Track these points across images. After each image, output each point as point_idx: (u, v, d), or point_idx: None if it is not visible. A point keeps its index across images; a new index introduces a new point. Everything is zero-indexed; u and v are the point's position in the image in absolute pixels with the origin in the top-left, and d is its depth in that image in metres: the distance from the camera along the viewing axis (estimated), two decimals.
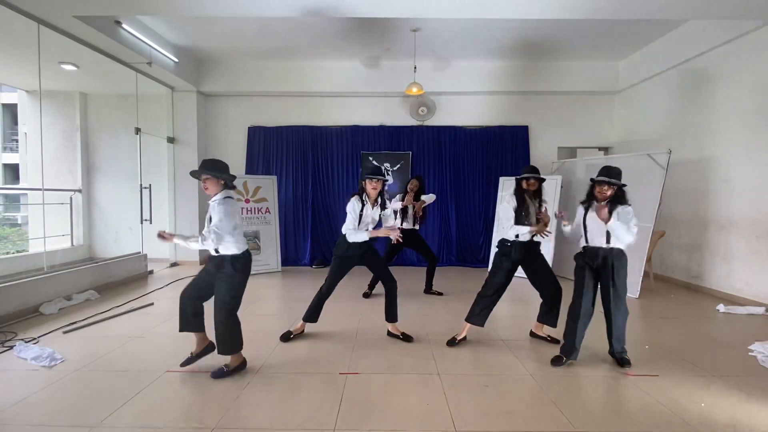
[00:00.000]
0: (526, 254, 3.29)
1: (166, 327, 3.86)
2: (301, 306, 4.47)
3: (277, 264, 6.61)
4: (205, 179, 2.70)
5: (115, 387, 2.64)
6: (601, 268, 2.94)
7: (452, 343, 3.37)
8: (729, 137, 5.00)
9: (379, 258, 3.59)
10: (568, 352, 2.99)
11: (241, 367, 2.87)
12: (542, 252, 3.42)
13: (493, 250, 3.93)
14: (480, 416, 2.32)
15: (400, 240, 3.43)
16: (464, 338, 3.42)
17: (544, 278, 3.36)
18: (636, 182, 5.03)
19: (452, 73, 6.95)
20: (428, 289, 5.10)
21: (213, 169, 2.72)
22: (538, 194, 3.28)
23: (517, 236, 3.25)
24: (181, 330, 2.83)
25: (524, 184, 3.27)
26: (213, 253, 2.74)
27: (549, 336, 3.46)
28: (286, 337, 3.48)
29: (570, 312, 3.02)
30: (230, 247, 2.72)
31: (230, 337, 2.79)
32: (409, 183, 5.01)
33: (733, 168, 4.94)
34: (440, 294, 5.00)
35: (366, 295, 4.91)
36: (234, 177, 2.83)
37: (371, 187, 3.37)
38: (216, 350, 2.82)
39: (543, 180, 3.29)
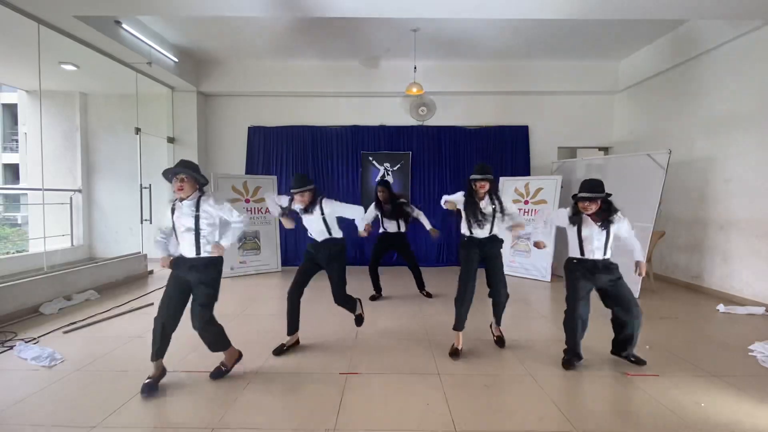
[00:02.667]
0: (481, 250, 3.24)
1: None
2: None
3: (277, 264, 6.61)
4: (183, 178, 2.54)
5: (115, 387, 2.64)
6: (604, 279, 2.89)
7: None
8: (729, 137, 5.00)
9: (332, 270, 3.29)
10: (578, 356, 2.97)
11: (238, 359, 2.86)
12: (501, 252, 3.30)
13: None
14: (480, 416, 2.32)
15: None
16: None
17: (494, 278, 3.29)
18: (636, 182, 5.04)
19: (452, 73, 6.95)
20: (421, 289, 5.04)
21: (192, 168, 2.58)
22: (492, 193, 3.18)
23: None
24: (156, 358, 2.65)
25: (474, 186, 3.15)
26: (192, 255, 2.61)
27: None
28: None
29: (569, 320, 2.96)
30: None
31: (219, 334, 2.73)
32: (379, 192, 4.73)
33: (733, 168, 4.93)
34: (429, 296, 4.97)
35: (373, 298, 4.88)
36: (207, 181, 2.70)
37: (298, 199, 3.13)
38: (210, 350, 2.76)
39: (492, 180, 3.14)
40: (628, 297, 2.91)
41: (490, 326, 3.50)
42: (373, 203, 4.77)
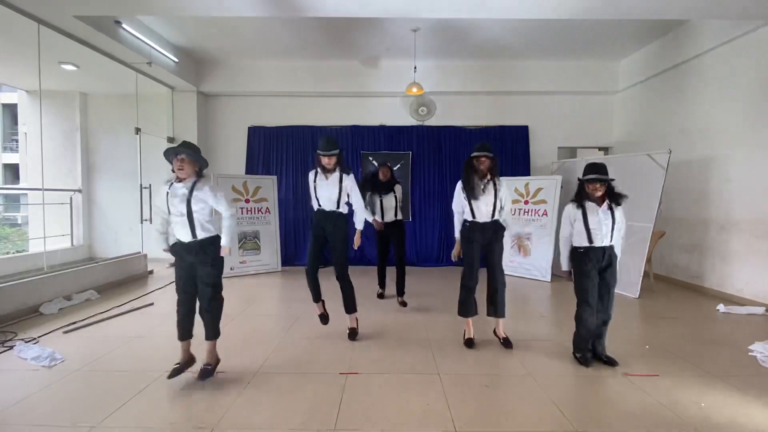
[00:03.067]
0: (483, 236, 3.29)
1: (166, 327, 3.85)
2: (300, 306, 4.49)
3: (277, 264, 6.61)
4: (183, 159, 2.60)
5: (115, 387, 2.64)
6: (605, 267, 2.94)
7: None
8: (729, 137, 5.00)
9: (336, 240, 3.42)
10: (590, 353, 3.02)
11: (218, 362, 2.83)
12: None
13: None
14: (480, 416, 2.32)
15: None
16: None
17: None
18: (636, 182, 5.04)
19: (452, 73, 6.95)
20: (400, 293, 4.61)
21: (193, 149, 2.65)
22: (491, 173, 3.25)
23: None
24: (181, 338, 2.80)
25: (475, 162, 3.23)
26: (188, 239, 2.65)
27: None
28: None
29: (582, 317, 2.96)
30: (212, 229, 2.73)
31: (219, 315, 2.79)
32: (381, 173, 4.54)
33: (733, 168, 4.93)
34: (404, 305, 4.54)
35: (380, 296, 4.87)
36: (207, 164, 2.77)
37: (325, 162, 3.28)
38: (206, 339, 2.77)
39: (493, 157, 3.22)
40: (612, 293, 2.96)
41: (494, 331, 3.43)
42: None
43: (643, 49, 6.36)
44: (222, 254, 2.72)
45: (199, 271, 2.69)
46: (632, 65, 6.65)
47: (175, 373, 2.67)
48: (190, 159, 2.62)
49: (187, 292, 2.75)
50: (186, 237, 2.65)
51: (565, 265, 3.10)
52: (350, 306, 3.53)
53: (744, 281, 4.78)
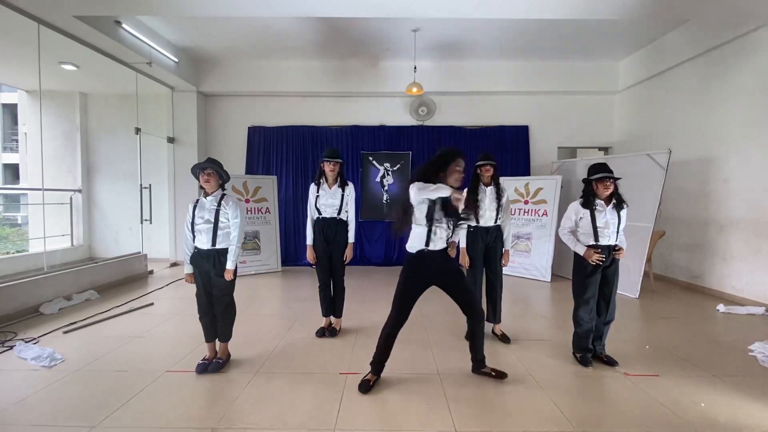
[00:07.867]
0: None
1: (166, 327, 3.86)
2: (301, 306, 4.50)
3: (277, 264, 6.61)
4: (210, 173, 2.83)
5: (115, 387, 2.64)
6: (608, 265, 2.95)
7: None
8: (729, 137, 5.00)
9: (338, 247, 3.55)
10: (590, 352, 3.05)
11: (228, 359, 3.04)
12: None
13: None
14: (480, 416, 2.32)
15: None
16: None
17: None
18: (636, 182, 5.04)
19: (452, 73, 6.95)
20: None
21: (217, 165, 2.89)
22: (494, 181, 3.47)
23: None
24: (208, 341, 3.00)
25: (479, 171, 3.47)
26: (207, 246, 2.83)
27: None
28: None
29: (580, 316, 2.98)
30: (227, 240, 2.92)
31: (233, 321, 3.01)
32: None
33: (733, 168, 4.93)
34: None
35: None
36: (229, 178, 2.99)
37: (328, 169, 3.45)
38: (219, 341, 3.01)
39: (495, 165, 3.46)
40: (614, 291, 2.99)
41: (492, 331, 3.57)
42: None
43: (643, 49, 6.36)
44: (226, 277, 2.86)
45: (214, 281, 2.89)
46: (632, 65, 6.65)
47: (202, 368, 2.87)
48: (215, 173, 2.84)
49: (207, 303, 2.95)
50: (206, 244, 2.83)
51: (581, 249, 2.92)
52: (339, 310, 3.69)
53: (744, 281, 4.78)
